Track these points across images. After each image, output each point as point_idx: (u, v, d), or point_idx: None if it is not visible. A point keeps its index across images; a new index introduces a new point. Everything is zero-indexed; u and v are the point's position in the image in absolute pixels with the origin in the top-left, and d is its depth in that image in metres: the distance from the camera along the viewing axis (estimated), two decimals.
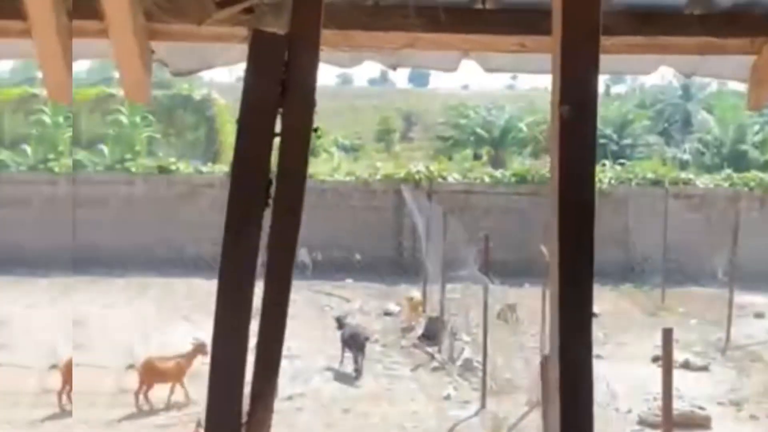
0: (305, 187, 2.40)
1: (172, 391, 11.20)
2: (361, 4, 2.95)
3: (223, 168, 20.80)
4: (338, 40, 2.90)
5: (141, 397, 11.07)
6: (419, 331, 15.05)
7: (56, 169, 19.54)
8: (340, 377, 12.67)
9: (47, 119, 22.21)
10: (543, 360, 7.67)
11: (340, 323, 13.38)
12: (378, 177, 20.95)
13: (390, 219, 20.33)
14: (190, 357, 11.18)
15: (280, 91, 2.30)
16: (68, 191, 19.19)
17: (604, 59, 3.25)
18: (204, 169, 20.65)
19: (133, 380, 11.32)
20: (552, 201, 2.38)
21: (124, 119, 22.55)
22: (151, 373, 11.09)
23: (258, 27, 2.28)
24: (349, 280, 18.86)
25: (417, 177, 20.74)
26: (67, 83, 2.84)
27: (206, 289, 17.40)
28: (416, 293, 16.24)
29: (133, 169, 19.83)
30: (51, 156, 20.42)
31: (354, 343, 12.98)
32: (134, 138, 22.00)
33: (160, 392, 11.29)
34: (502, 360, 12.92)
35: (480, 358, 12.15)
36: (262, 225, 2.38)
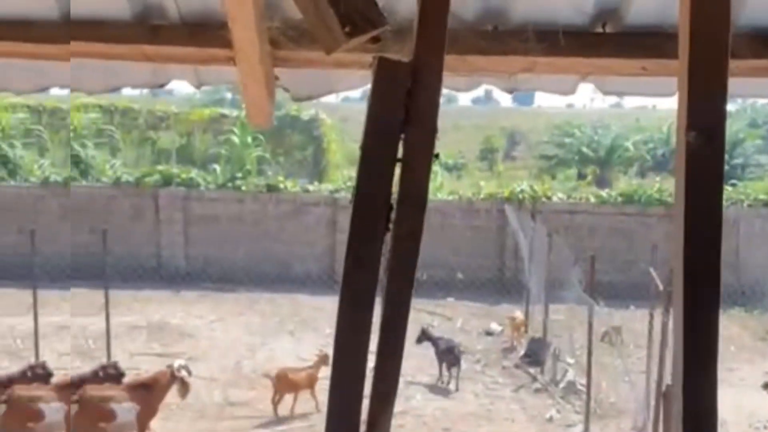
0: (425, 211, 2.42)
1: (295, 400, 11.57)
2: (479, 30, 2.97)
3: (328, 187, 21.11)
4: (456, 65, 2.92)
5: (272, 406, 11.50)
6: (521, 351, 14.88)
7: (243, 188, 20.22)
8: (440, 392, 12.67)
9: (236, 139, 23.03)
10: (666, 390, 7.46)
11: (426, 336, 13.31)
12: (481, 196, 20.86)
13: (492, 238, 20.20)
14: (316, 367, 11.56)
15: (403, 117, 2.33)
16: (254, 209, 20.05)
17: (729, 83, 3.20)
18: (310, 187, 20.99)
19: (239, 392, 11.62)
20: (676, 227, 2.34)
21: (235, 139, 23.20)
22: (284, 383, 11.40)
23: (382, 54, 2.32)
24: (451, 299, 18.81)
25: (520, 196, 20.55)
26: (268, 108, 2.96)
27: (310, 304, 17.77)
28: (518, 313, 16.07)
29: (243, 188, 20.33)
30: (239, 175, 21.17)
31: (450, 356, 12.97)
32: (245, 157, 22.58)
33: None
34: (606, 383, 12.68)
35: (584, 381, 11.95)
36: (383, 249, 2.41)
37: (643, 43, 2.91)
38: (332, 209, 20.14)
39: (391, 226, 2.42)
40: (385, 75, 2.30)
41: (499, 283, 19.62)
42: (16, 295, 15.71)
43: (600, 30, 3.00)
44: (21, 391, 9.43)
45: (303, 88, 3.28)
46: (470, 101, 60.62)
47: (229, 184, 20.52)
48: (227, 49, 2.88)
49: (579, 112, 46.63)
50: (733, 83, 3.18)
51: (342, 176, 22.36)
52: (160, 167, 21.25)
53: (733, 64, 2.89)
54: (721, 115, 2.29)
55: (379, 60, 2.29)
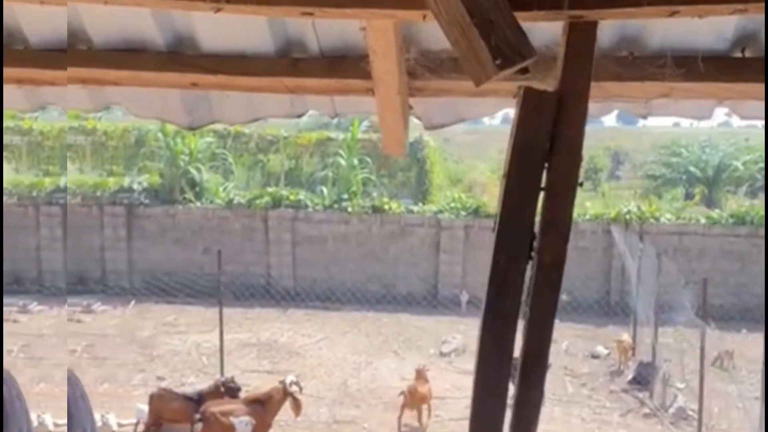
0: (569, 240, 2.43)
1: (420, 413, 11.79)
2: (615, 56, 2.96)
3: (432, 207, 21.20)
4: (593, 92, 2.92)
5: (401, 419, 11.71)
6: (629, 375, 14.59)
7: (349, 209, 20.70)
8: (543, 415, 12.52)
9: (342, 161, 23.61)
10: None
11: None
12: (587, 217, 20.59)
13: (598, 260, 19.88)
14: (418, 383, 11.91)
15: (549, 146, 2.35)
16: (360, 229, 20.59)
17: None
18: (414, 208, 21.11)
19: (345, 410, 11.77)
20: None
21: (342, 161, 23.58)
22: (414, 397, 11.64)
23: (528, 84, 2.35)
24: (556, 321, 18.58)
25: (627, 217, 20.18)
26: (403, 137, 3.04)
27: (414, 324, 17.81)
28: (626, 336, 15.76)
29: (350, 209, 20.62)
30: (345, 196, 21.68)
31: None
32: (351, 179, 22.91)
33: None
34: (718, 409, 12.31)
35: (695, 406, 11.67)
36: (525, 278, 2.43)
37: None
38: (435, 230, 20.23)
39: (533, 254, 2.44)
40: (531, 104, 2.33)
41: (605, 305, 19.30)
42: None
43: (739, 55, 2.95)
44: (213, 407, 9.86)
45: (435, 116, 3.33)
46: (614, 120, 59.70)
47: (336, 206, 20.85)
48: (365, 80, 2.96)
49: (686, 131, 45.48)
50: None
51: (445, 197, 22.41)
52: (269, 189, 21.78)
53: None
54: None
55: (525, 90, 2.32)
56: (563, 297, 19.65)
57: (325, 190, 22.36)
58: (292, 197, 20.89)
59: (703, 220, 20.29)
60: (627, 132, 48.49)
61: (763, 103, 3.20)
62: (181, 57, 3.18)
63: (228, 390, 10.51)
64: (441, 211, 20.60)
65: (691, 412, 12.32)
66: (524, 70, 2.11)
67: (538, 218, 2.46)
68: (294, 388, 10.11)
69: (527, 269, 2.43)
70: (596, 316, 18.79)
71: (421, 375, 11.94)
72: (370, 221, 20.48)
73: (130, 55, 3.19)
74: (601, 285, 19.77)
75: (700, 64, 2.85)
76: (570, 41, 2.32)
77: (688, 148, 35.79)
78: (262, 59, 3.09)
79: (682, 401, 12.97)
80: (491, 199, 20.85)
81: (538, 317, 2.47)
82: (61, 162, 24.59)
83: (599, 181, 37.70)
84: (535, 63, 2.51)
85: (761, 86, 3.01)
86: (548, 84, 2.37)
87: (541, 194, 2.41)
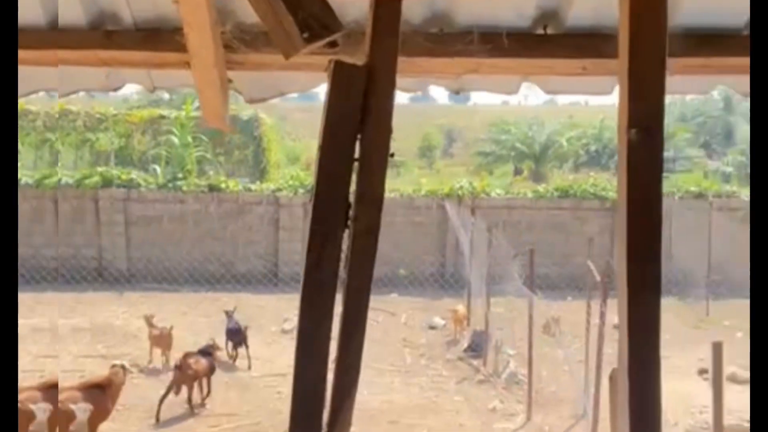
0: (382, 208, 2.51)
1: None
2: (426, 33, 3.06)
3: (270, 186, 21.07)
4: (405, 67, 3.01)
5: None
6: (464, 344, 15.07)
7: (184, 188, 20.01)
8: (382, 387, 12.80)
9: (176, 140, 22.75)
10: (611, 374, 7.69)
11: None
12: (421, 193, 21.07)
13: (433, 234, 20.40)
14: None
15: (360, 118, 2.42)
16: (196, 209, 20.06)
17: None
18: (252, 186, 20.92)
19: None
20: (620, 221, 2.46)
21: (175, 140, 22.99)
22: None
23: (338, 58, 2.40)
24: (394, 295, 18.95)
25: (460, 192, 20.80)
26: (223, 110, 3.00)
27: (255, 303, 17.64)
28: (460, 307, 16.27)
29: (185, 188, 20.17)
30: (180, 175, 20.93)
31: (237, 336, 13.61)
32: (185, 158, 22.41)
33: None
34: (547, 373, 12.90)
35: (525, 371, 12.15)
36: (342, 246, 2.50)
37: (582, 44, 3.04)
38: (274, 207, 20.13)
39: (349, 223, 2.50)
40: (341, 78, 2.38)
41: (441, 278, 19.84)
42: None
43: (541, 32, 3.11)
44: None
45: (255, 90, 3.34)
46: (407, 99, 60.75)
47: (170, 185, 20.34)
48: (181, 53, 2.93)
49: (514, 109, 47.25)
50: (669, 81, 3.36)
51: (283, 175, 22.33)
52: (99, 169, 20.98)
53: (668, 62, 3.06)
54: (659, 113, 2.43)
55: (336, 63, 2.37)
56: (401, 271, 20.14)
57: (158, 168, 21.76)
58: (123, 177, 20.21)
59: (530, 194, 21.21)
60: (459, 110, 49.82)
61: (565, 78, 3.40)
62: None
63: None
64: (279, 189, 20.52)
65: (522, 377, 12.80)
66: (333, 44, 2.16)
67: (353, 188, 2.52)
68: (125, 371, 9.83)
69: (344, 238, 2.49)
70: (432, 289, 19.30)
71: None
72: (207, 200, 20.14)
73: None
74: (437, 258, 20.32)
75: (504, 40, 2.99)
76: (376, 16, 2.38)
77: (516, 126, 37.28)
78: (74, 31, 3.00)
79: (513, 367, 13.49)
80: None
81: (355, 284, 2.55)
82: None
83: (434, 159, 38.68)
84: (346, 38, 2.58)
85: (563, 62, 3.19)
86: (358, 58, 2.43)
87: (356, 165, 2.48)
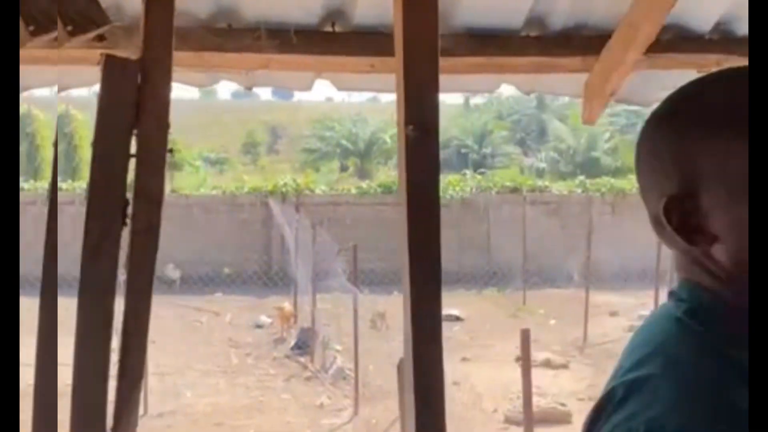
0: (162, 205, 2.46)
1: None
2: (214, 27, 3.03)
3: (82, 185, 20.24)
4: (193, 62, 2.97)
5: None
6: (291, 341, 15.06)
7: None
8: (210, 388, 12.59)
9: None
10: (399, 364, 7.90)
11: None
12: (245, 190, 20.88)
13: (258, 232, 20.27)
14: None
15: (134, 113, 2.36)
16: None
17: (449, 79, 3.47)
18: (64, 185, 20.02)
19: None
20: (401, 216, 2.51)
21: None
22: None
23: (110, 52, 2.33)
24: (219, 294, 18.70)
25: (284, 189, 20.77)
26: None
27: (65, 306, 17.03)
28: (287, 304, 16.25)
29: None
30: None
31: None
32: None
33: None
34: (373, 367, 13.09)
35: (352, 366, 12.28)
36: (121, 244, 2.43)
37: (368, 42, 3.09)
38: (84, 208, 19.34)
39: (128, 221, 2.44)
40: (113, 72, 2.32)
41: (266, 276, 19.74)
42: None
43: (329, 29, 3.14)
44: None
45: (40, 83, 3.19)
46: (230, 95, 59.88)
47: None
48: None
49: (338, 106, 47.63)
50: (454, 79, 3.48)
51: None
52: None
53: (450, 61, 3.16)
54: (434, 110, 2.49)
55: (107, 57, 2.31)
56: (225, 270, 19.86)
57: None
58: None
59: (354, 191, 21.48)
60: (283, 106, 49.66)
61: (358, 75, 3.45)
62: None
63: None
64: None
65: (349, 372, 12.92)
66: (101, 38, 2.10)
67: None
68: None
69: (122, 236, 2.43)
70: (258, 287, 19.17)
71: None
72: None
73: None
74: (261, 257, 20.20)
75: (292, 37, 3.00)
76: (148, 9, 2.34)
77: (340, 123, 37.65)
78: None
79: (340, 362, 13.61)
80: None
81: (136, 282, 2.48)
82: None
83: (258, 155, 38.44)
84: (126, 31, 2.51)
85: (353, 59, 3.24)
86: (132, 52, 2.37)
87: (133, 161, 2.42)
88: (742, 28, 3.36)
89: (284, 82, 3.51)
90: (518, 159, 38.02)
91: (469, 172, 27.53)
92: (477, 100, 46.38)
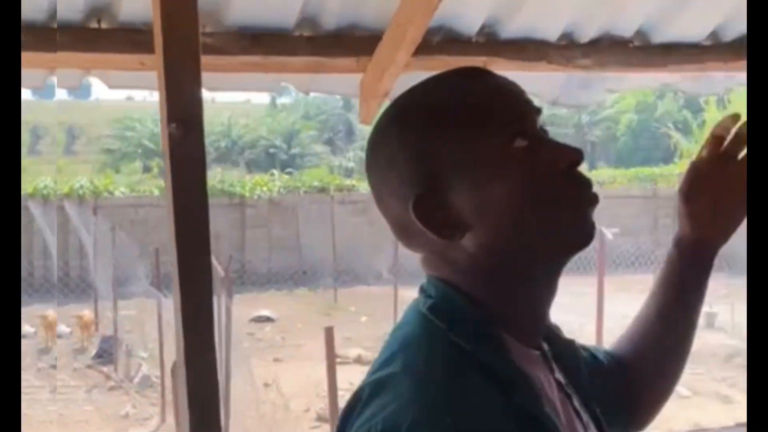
0: None
1: None
2: None
3: None
4: None
5: None
6: (93, 351, 14.52)
7: None
8: None
9: None
10: (173, 367, 7.79)
11: None
12: (36, 193, 19.80)
13: (56, 237, 19.32)
14: None
15: None
16: None
17: (223, 77, 3.44)
18: None
19: None
20: (168, 218, 2.45)
21: None
22: None
23: None
24: None
25: (81, 192, 19.91)
26: None
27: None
28: (87, 312, 15.62)
29: None
30: None
31: None
32: None
33: None
34: None
35: (158, 373, 12.00)
36: None
37: (137, 40, 3.00)
38: None
39: None
40: None
41: (63, 283, 18.84)
42: None
43: (95, 25, 3.03)
44: None
45: None
46: (30, 95, 56.74)
47: None
48: None
49: (139, 104, 46.24)
50: (228, 78, 3.46)
51: None
52: None
53: (221, 60, 3.14)
54: (198, 107, 2.44)
55: None
56: None
57: None
58: None
59: (157, 192, 20.91)
60: (80, 106, 47.69)
61: (129, 73, 3.35)
62: None
63: None
64: None
65: (155, 379, 12.62)
66: None
67: None
68: None
69: None
70: (55, 296, 18.31)
71: None
72: None
73: None
74: (59, 263, 19.26)
75: (57, 34, 2.87)
76: None
77: (141, 122, 36.58)
78: None
79: (146, 370, 13.27)
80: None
81: None
82: None
83: (54, 156, 36.62)
84: None
85: (122, 56, 3.13)
86: None
87: None
88: (506, 30, 3.53)
89: (57, 80, 3.36)
90: (327, 159, 38.35)
91: (276, 173, 27.46)
92: (284, 99, 46.38)
